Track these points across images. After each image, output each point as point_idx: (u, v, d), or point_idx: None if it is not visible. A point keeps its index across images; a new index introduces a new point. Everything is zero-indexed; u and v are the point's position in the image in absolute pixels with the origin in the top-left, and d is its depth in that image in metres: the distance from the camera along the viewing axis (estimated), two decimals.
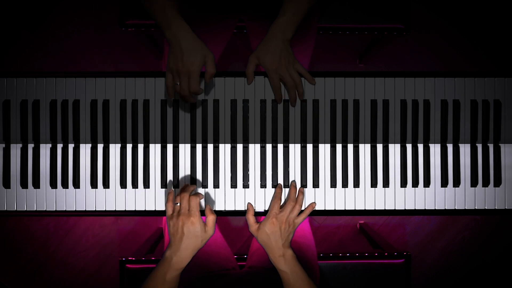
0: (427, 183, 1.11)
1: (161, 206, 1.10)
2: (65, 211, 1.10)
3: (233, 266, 1.26)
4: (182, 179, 1.10)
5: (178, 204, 1.00)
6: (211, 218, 0.99)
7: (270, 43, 1.03)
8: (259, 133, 1.11)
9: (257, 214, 1.09)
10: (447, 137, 1.11)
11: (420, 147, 1.12)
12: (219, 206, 1.10)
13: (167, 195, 1.05)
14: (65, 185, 1.10)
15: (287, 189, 1.10)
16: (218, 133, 1.11)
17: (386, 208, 1.11)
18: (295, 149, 1.11)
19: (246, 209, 1.10)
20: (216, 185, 1.10)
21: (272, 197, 1.08)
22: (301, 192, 1.07)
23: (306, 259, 1.25)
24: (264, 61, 1.04)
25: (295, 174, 1.10)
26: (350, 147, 1.11)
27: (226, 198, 1.10)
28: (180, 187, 1.10)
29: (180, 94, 1.03)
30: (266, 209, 1.10)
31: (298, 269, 0.99)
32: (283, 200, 1.09)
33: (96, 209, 1.10)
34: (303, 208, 1.09)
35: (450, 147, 1.11)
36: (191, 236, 0.96)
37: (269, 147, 1.11)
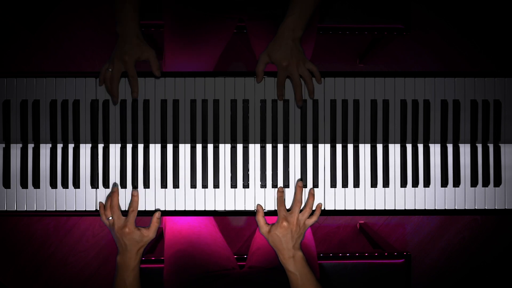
0: (427, 183, 1.11)
1: (161, 206, 1.10)
2: (65, 211, 1.10)
3: (233, 266, 1.26)
4: (182, 179, 1.10)
5: (111, 218, 1.05)
6: (154, 223, 1.05)
7: (280, 41, 1.03)
8: (259, 133, 1.11)
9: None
10: (447, 137, 1.11)
11: (420, 147, 1.12)
12: (219, 206, 1.10)
13: (99, 208, 1.07)
14: (65, 185, 1.10)
15: (287, 189, 1.10)
16: (218, 133, 1.11)
17: (386, 208, 1.11)
18: (295, 149, 1.11)
19: (245, 209, 1.10)
20: (216, 185, 1.10)
21: (276, 202, 1.08)
22: (312, 195, 1.07)
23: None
24: (275, 59, 1.04)
25: (295, 174, 1.10)
26: (350, 147, 1.11)
27: (226, 198, 1.10)
28: (179, 187, 1.10)
29: (108, 82, 1.07)
30: (266, 209, 1.10)
31: (307, 271, 1.00)
32: (287, 202, 1.09)
33: (96, 209, 1.10)
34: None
35: (450, 147, 1.11)
36: (133, 242, 1.03)
37: (269, 147, 1.11)
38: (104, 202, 1.08)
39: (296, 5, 1.03)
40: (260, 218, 1.05)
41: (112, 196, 1.06)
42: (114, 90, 1.07)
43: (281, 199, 1.07)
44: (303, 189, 1.09)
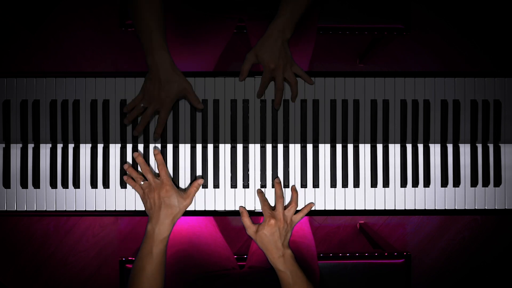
0: (427, 183, 1.11)
1: None
2: (65, 211, 1.10)
3: (233, 266, 1.26)
4: (182, 179, 1.10)
5: (143, 183, 1.03)
6: (194, 190, 1.04)
7: (269, 42, 1.02)
8: (259, 133, 1.11)
9: (258, 214, 1.09)
10: (447, 137, 1.11)
11: (420, 147, 1.12)
12: (219, 206, 1.10)
13: (125, 180, 1.06)
14: (65, 185, 1.10)
15: (286, 189, 1.10)
16: (218, 133, 1.11)
17: (386, 208, 1.11)
18: (295, 149, 1.11)
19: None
20: (216, 185, 1.10)
21: (260, 203, 1.08)
22: (294, 190, 1.08)
23: (306, 259, 1.25)
24: (262, 59, 1.03)
25: (295, 174, 1.10)
26: (350, 147, 1.11)
27: (226, 198, 1.10)
28: (179, 187, 1.10)
29: (142, 118, 1.05)
30: None
31: (297, 269, 0.99)
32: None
33: (96, 209, 1.10)
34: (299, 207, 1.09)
35: (450, 147, 1.11)
36: (168, 204, 1.00)
37: (269, 147, 1.11)
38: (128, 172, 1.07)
39: (288, 6, 1.02)
40: (246, 219, 1.05)
41: (138, 160, 1.05)
42: (141, 129, 1.06)
43: (263, 198, 1.07)
44: (295, 187, 1.09)
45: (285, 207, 1.06)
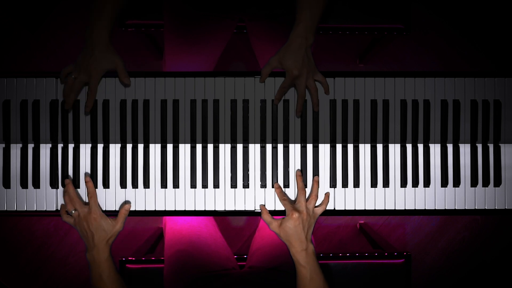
0: (427, 183, 1.11)
1: (161, 206, 1.10)
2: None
3: (233, 266, 1.26)
4: (182, 179, 1.10)
5: (74, 211, 1.03)
6: (122, 215, 1.05)
7: (293, 49, 1.01)
8: (259, 133, 1.11)
9: (259, 214, 1.10)
10: (447, 137, 1.11)
11: (420, 147, 1.12)
12: (219, 206, 1.10)
13: (60, 209, 1.07)
14: (65, 185, 1.10)
15: (287, 189, 1.10)
16: (218, 133, 1.11)
17: (386, 208, 1.11)
18: (295, 149, 1.11)
19: (245, 209, 1.10)
20: (216, 185, 1.10)
21: (278, 198, 1.08)
22: (316, 182, 1.08)
23: None
24: (286, 66, 1.03)
25: (295, 174, 1.10)
26: (350, 147, 1.11)
27: (226, 198, 1.10)
28: (179, 187, 1.10)
29: (67, 89, 1.05)
30: (267, 209, 1.10)
31: (317, 265, 1.00)
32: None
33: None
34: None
35: (450, 147, 1.11)
36: (100, 231, 1.01)
37: (269, 147, 1.11)
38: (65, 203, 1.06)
39: (306, 11, 1.01)
40: (266, 217, 1.05)
41: (68, 189, 1.05)
42: (71, 100, 1.06)
43: (281, 192, 1.07)
44: (318, 178, 1.09)
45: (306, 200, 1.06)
